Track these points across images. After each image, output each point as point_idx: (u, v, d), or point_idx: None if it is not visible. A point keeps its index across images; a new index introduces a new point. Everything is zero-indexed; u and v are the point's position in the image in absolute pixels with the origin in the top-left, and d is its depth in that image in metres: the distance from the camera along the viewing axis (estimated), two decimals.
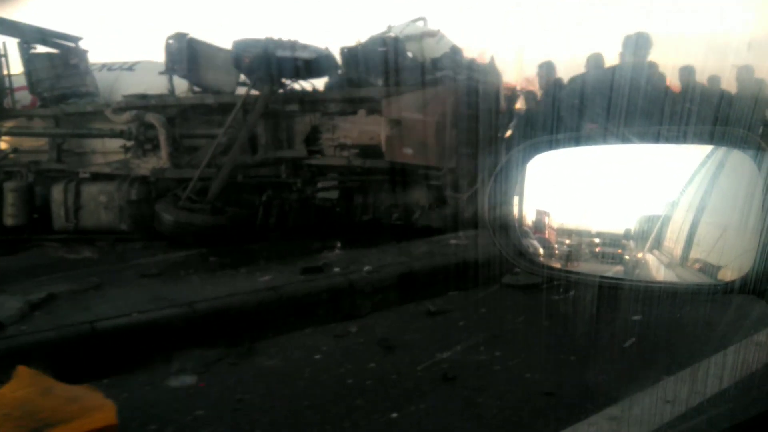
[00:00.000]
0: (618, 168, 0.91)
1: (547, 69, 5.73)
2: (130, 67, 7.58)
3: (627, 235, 0.89)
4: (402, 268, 4.05)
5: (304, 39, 6.30)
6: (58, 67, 6.71)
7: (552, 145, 0.98)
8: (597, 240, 0.92)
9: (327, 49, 7.02)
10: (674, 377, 2.54)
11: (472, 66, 6.88)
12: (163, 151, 6.45)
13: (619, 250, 0.91)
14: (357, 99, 6.41)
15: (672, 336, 2.93)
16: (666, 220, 0.89)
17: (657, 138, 0.94)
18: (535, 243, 0.96)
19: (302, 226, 6.50)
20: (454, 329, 3.16)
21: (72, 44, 6.87)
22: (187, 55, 6.53)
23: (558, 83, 5.42)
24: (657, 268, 0.91)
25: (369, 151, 6.39)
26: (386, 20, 7.37)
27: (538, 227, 0.97)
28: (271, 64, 5.72)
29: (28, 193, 6.76)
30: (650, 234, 0.89)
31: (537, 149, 0.96)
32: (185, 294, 3.50)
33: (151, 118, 6.39)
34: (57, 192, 6.53)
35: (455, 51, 6.69)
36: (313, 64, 6.09)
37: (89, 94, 6.90)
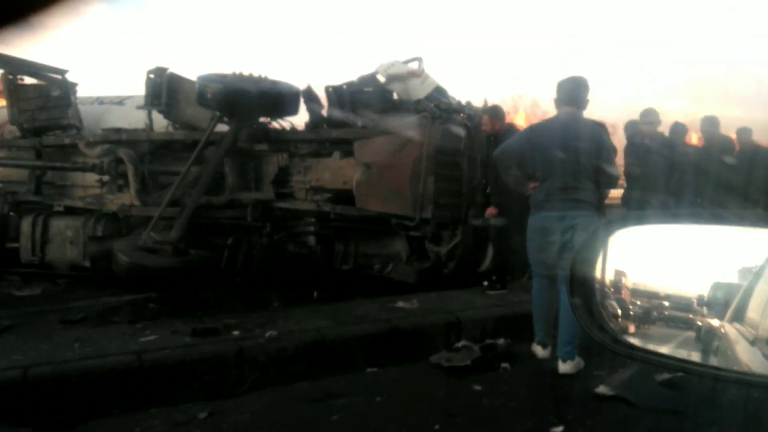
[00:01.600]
0: (691, 230, 0.91)
1: (492, 114, 5.14)
2: (121, 101, 7.50)
3: (700, 301, 0.85)
4: (313, 336, 3.49)
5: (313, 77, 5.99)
6: (40, 99, 6.65)
7: (639, 221, 1.00)
8: (666, 303, 0.90)
9: (309, 86, 6.70)
10: None
11: (461, 108, 6.37)
12: (131, 188, 6.20)
13: (690, 315, 0.87)
14: (333, 140, 6.01)
15: None
16: (749, 290, 0.84)
17: (749, 222, 0.87)
18: (614, 303, 0.96)
19: (272, 273, 6.07)
20: (320, 427, 2.56)
21: (58, 76, 6.81)
22: (166, 90, 6.34)
23: (510, 129, 4.80)
24: (738, 342, 0.84)
25: (343, 196, 5.93)
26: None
27: (617, 287, 0.96)
28: (235, 99, 5.39)
29: (1, 224, 6.67)
30: (729, 302, 0.84)
31: (623, 224, 0.98)
32: (47, 353, 3.07)
33: (121, 152, 6.18)
34: (26, 225, 6.40)
35: (440, 91, 6.19)
36: (280, 101, 5.72)
37: (70, 126, 6.80)
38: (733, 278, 0.86)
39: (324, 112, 6.58)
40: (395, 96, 6.49)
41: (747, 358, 0.84)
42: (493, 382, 3.16)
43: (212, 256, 6.05)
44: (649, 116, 5.22)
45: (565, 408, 2.74)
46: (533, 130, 3.78)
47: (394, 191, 5.57)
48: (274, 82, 5.88)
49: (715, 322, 0.87)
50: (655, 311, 0.92)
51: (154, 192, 6.32)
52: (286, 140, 5.99)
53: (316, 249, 6.47)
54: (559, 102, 3.72)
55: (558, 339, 3.51)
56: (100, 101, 7.62)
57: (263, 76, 5.83)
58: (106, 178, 6.47)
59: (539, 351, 3.66)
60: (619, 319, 0.96)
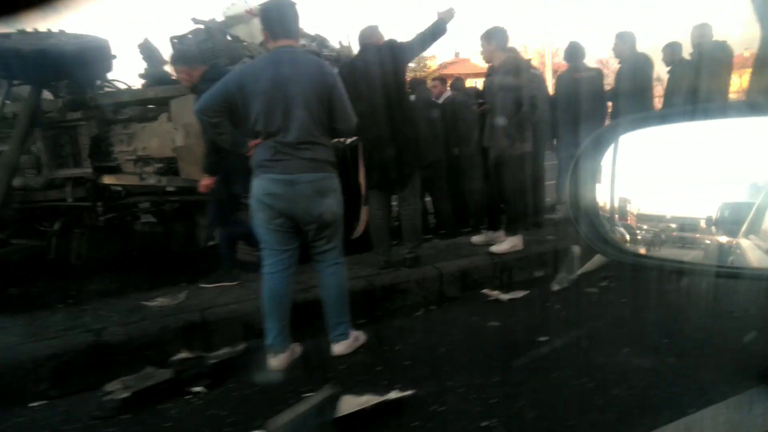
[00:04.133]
0: (696, 153, 0.89)
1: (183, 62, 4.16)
2: None
3: (709, 222, 0.85)
4: None
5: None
6: None
7: (635, 125, 0.95)
8: (673, 225, 0.90)
9: (146, 39, 5.79)
10: None
11: (316, 49, 5.34)
12: None
13: (698, 235, 0.86)
14: (154, 101, 5.10)
15: None
16: (763, 206, 0.82)
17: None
18: (623, 230, 0.95)
19: (117, 258, 5.32)
20: None
21: None
22: None
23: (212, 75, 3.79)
24: (754, 252, 0.84)
25: (175, 165, 5.06)
26: None
27: (622, 214, 0.95)
28: (8, 62, 4.50)
29: None
30: (740, 221, 0.83)
31: (617, 131, 0.95)
32: None
33: None
34: None
35: None
36: (69, 59, 4.78)
37: None
38: (742, 197, 0.82)
39: (168, 67, 5.67)
40: (244, 42, 5.51)
41: (764, 265, 0.83)
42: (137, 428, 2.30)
43: (37, 246, 5.34)
44: (486, 37, 4.04)
45: None
46: (245, 73, 2.83)
47: None
48: (75, 36, 4.95)
49: (723, 239, 0.84)
50: (663, 234, 0.90)
51: None
52: (102, 105, 5.10)
53: (174, 226, 5.72)
54: (271, 34, 2.85)
55: (326, 323, 2.95)
56: None
57: (58, 30, 4.90)
58: None
59: (271, 360, 2.79)
60: (628, 244, 0.95)
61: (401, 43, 3.75)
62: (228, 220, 3.94)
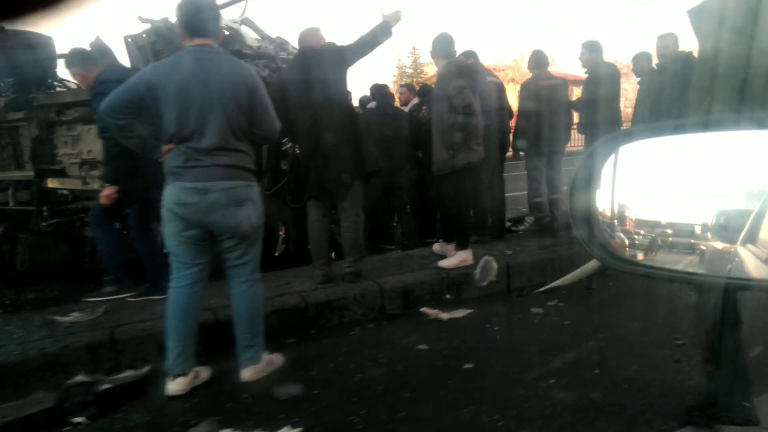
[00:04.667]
0: (693, 161, 0.89)
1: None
2: None
3: (704, 228, 0.85)
4: None
5: None
6: None
7: (639, 135, 0.99)
8: (669, 231, 0.91)
9: (98, 37, 5.59)
10: None
11: (262, 50, 5.16)
12: None
13: (693, 241, 0.87)
14: None
15: None
16: (761, 214, 0.82)
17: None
18: (622, 235, 0.96)
19: (65, 264, 5.11)
20: None
21: None
22: None
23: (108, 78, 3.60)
24: (751, 261, 0.84)
25: None
26: None
27: (621, 220, 0.97)
28: None
29: None
30: (736, 227, 0.84)
31: (619, 141, 0.96)
32: None
33: None
34: None
35: (231, 33, 4.96)
36: (20, 55, 4.59)
37: None
38: (738, 205, 0.83)
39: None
40: None
41: (761, 274, 0.82)
42: None
43: None
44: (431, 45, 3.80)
45: None
46: (156, 72, 2.63)
47: None
48: (14, 33, 4.75)
49: (719, 245, 0.85)
50: (660, 239, 0.91)
51: None
52: (44, 105, 4.89)
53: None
54: (186, 32, 2.64)
55: (237, 344, 2.73)
56: None
57: None
58: None
59: (169, 385, 2.58)
60: (627, 249, 0.96)
61: (341, 46, 3.55)
62: (149, 232, 3.72)
